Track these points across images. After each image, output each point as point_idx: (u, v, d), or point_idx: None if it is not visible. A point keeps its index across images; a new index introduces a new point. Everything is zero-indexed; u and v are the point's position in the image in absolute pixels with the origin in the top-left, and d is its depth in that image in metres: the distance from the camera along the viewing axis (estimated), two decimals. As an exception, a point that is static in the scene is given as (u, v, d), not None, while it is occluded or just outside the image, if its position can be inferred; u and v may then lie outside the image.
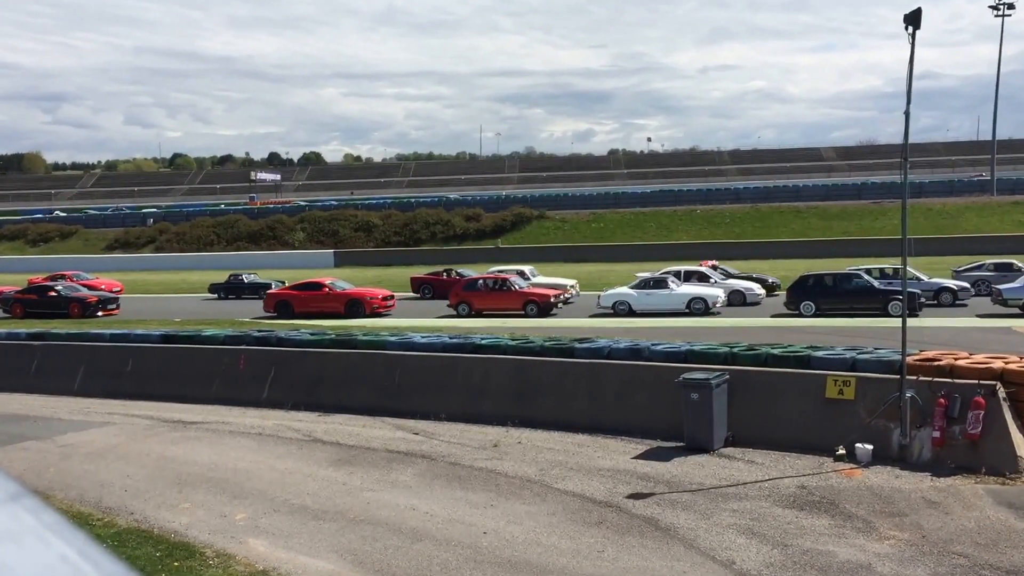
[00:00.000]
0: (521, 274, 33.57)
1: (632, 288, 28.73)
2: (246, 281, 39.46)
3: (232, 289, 39.16)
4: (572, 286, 32.70)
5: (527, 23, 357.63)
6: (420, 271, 40.19)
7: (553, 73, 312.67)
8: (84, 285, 39.63)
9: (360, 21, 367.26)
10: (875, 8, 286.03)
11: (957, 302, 27.59)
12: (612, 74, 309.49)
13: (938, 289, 27.79)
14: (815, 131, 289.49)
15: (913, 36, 11.22)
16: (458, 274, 35.62)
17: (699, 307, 27.33)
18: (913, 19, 11.16)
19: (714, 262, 35.00)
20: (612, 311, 28.09)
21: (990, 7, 65.56)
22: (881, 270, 29.10)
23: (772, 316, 26.44)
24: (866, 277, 27.00)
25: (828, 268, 32.15)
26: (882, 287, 26.25)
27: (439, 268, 39.16)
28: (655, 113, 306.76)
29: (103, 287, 40.50)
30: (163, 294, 43.32)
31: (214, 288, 39.97)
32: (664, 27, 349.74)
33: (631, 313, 27.73)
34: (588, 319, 27.62)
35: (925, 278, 28.13)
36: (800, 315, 26.03)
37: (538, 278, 34.17)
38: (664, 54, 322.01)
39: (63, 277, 41.31)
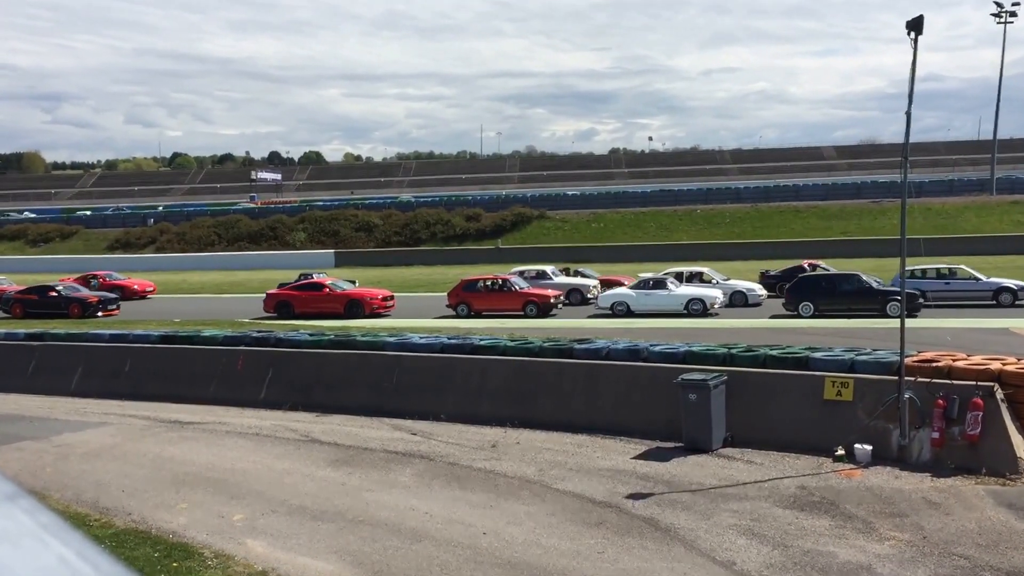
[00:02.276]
0: (543, 273, 33.35)
1: (631, 289, 28.80)
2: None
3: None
4: (595, 286, 32.59)
5: (528, 28, 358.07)
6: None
7: (555, 74, 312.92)
8: (116, 285, 39.56)
9: (361, 25, 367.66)
10: (877, 14, 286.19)
11: (1017, 302, 26.66)
12: (615, 75, 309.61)
13: (997, 289, 27.05)
14: (817, 131, 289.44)
15: (916, 41, 11.26)
16: (578, 273, 34.72)
17: (697, 308, 27.33)
18: (915, 25, 11.22)
19: (813, 261, 34.29)
20: (610, 312, 28.11)
21: (992, 14, 65.78)
22: (937, 270, 28.22)
23: (771, 317, 26.41)
24: (864, 278, 26.87)
25: (830, 267, 32.05)
26: (880, 288, 26.01)
27: (561, 266, 37.48)
28: (657, 113, 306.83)
29: (136, 287, 40.26)
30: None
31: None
32: (666, 32, 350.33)
33: (629, 314, 27.74)
34: (586, 320, 27.62)
35: (983, 277, 27.50)
36: (799, 316, 25.98)
37: (560, 278, 33.83)
38: (667, 57, 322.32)
39: (95, 277, 40.90)
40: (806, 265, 32.66)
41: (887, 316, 24.49)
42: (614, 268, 42.94)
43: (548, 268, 34.73)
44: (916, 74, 11.43)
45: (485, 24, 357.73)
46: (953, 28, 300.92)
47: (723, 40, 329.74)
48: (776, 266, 35.37)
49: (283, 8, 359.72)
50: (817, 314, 25.82)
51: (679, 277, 30.24)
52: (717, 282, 30.28)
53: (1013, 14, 65.22)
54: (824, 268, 32.13)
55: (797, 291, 26.82)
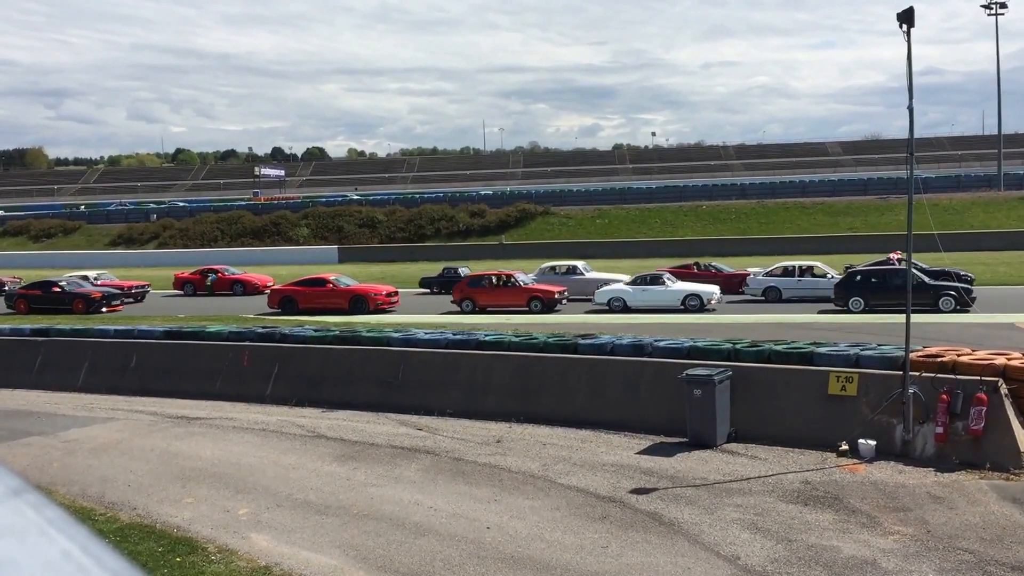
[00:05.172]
0: (573, 269, 32.95)
1: (627, 285, 28.93)
2: (463, 275, 36.25)
3: (447, 283, 34.63)
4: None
5: (524, 21, 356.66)
6: (668, 263, 37.13)
7: (555, 69, 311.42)
8: (236, 280, 39.35)
9: (355, 18, 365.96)
10: (871, 6, 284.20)
11: None
12: (614, 70, 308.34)
13: None
14: (821, 126, 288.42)
15: (908, 33, 11.23)
16: (712, 267, 34.04)
17: (694, 303, 27.52)
18: (906, 17, 11.18)
19: (899, 254, 32.96)
20: (607, 307, 28.22)
21: (982, 6, 65.43)
22: None
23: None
24: (916, 272, 26.43)
25: (833, 264, 31.70)
26: (932, 283, 25.50)
27: (689, 261, 36.37)
28: (661, 108, 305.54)
29: (256, 282, 39.52)
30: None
31: (425, 282, 36.96)
32: (662, 24, 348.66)
33: (626, 309, 27.86)
34: (589, 315, 27.65)
35: None
36: (848, 311, 25.74)
37: (591, 273, 33.30)
38: (664, 51, 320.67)
39: (213, 271, 40.43)
40: (893, 258, 31.00)
41: (939, 311, 24.25)
42: (619, 263, 42.92)
43: (579, 263, 34.14)
44: (913, 67, 11.41)
45: (479, 17, 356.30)
46: (947, 20, 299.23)
47: (720, 33, 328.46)
48: (858, 260, 33.81)
49: (277, 1, 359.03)
50: (867, 309, 25.55)
51: (790, 271, 29.80)
52: (832, 276, 29.57)
53: (1003, 5, 64.84)
54: (913, 262, 30.48)
55: (847, 287, 26.63)
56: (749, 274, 32.45)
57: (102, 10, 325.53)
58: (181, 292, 39.63)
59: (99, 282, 37.64)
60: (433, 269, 40.07)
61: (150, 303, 35.55)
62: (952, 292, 24.85)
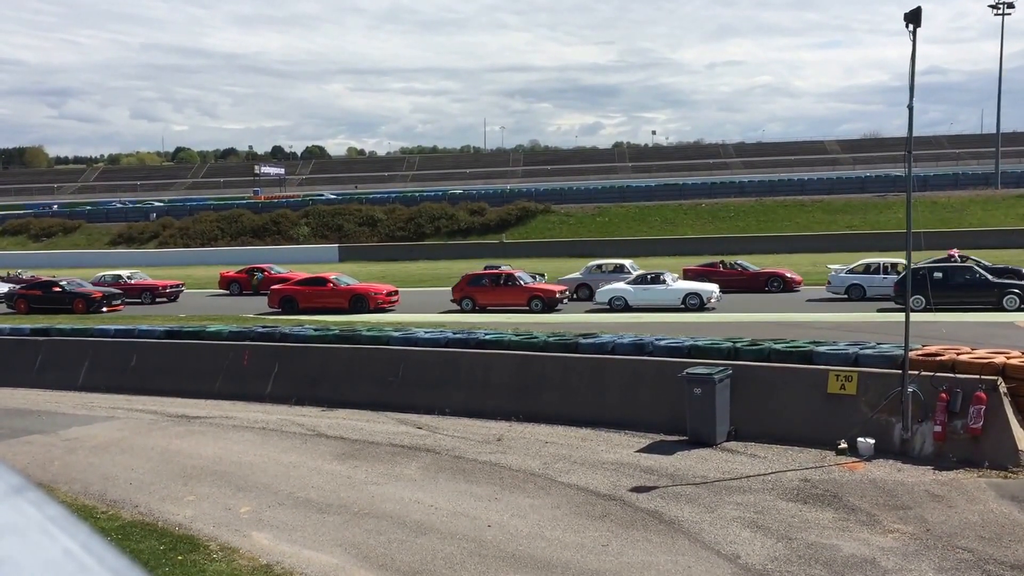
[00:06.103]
0: (621, 268, 32.64)
1: (628, 284, 29.01)
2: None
3: None
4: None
5: (533, 21, 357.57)
6: (692, 262, 36.82)
7: (561, 68, 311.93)
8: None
9: (365, 19, 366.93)
10: (880, 6, 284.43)
11: None
12: (619, 69, 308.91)
13: None
14: (822, 125, 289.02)
15: (914, 34, 11.24)
16: (738, 265, 33.84)
17: (694, 303, 27.64)
18: (913, 17, 11.20)
19: (960, 252, 31.64)
20: (608, 306, 28.26)
21: (990, 6, 65.73)
22: None
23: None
24: (980, 270, 26.21)
25: (832, 262, 31.61)
26: (996, 281, 25.24)
27: (715, 259, 35.98)
28: (663, 107, 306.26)
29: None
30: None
31: None
32: (671, 24, 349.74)
33: (627, 308, 27.94)
34: (590, 314, 27.65)
35: None
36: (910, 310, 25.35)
37: (638, 272, 32.33)
38: (671, 50, 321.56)
39: (260, 270, 39.78)
40: (956, 255, 30.32)
41: (1003, 310, 23.95)
42: (621, 263, 42.73)
43: (627, 262, 33.64)
44: (917, 67, 11.44)
45: (489, 17, 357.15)
46: (955, 20, 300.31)
47: (727, 32, 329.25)
48: (918, 257, 33.28)
49: (288, 2, 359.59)
50: (929, 307, 25.29)
51: (874, 269, 29.15)
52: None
53: (1011, 5, 65.19)
54: (975, 260, 29.74)
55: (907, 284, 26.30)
56: (782, 273, 32.49)
57: (114, 10, 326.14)
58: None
59: (133, 281, 37.76)
60: (435, 268, 39.99)
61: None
62: (1017, 290, 24.61)
